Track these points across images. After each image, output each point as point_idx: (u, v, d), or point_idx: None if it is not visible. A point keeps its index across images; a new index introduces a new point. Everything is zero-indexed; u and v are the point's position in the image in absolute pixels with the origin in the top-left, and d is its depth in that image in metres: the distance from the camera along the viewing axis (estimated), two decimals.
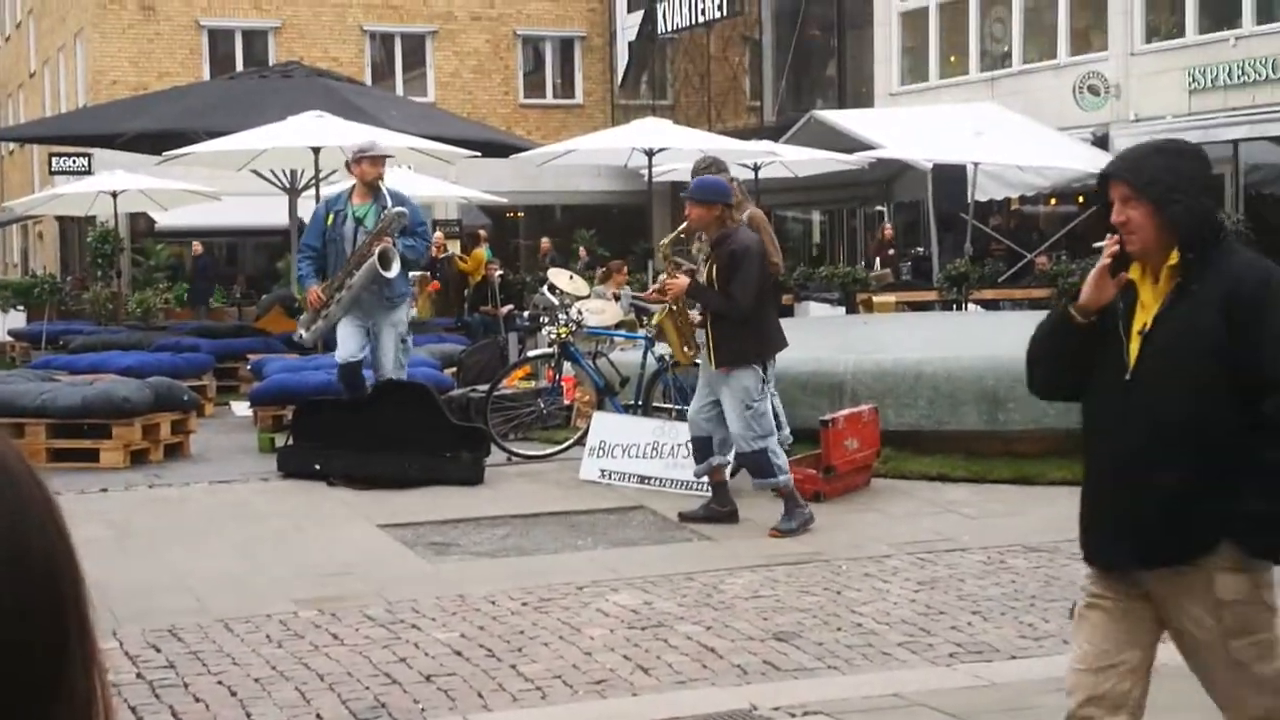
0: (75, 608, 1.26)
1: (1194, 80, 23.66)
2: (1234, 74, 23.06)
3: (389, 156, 12.06)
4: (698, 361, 9.52)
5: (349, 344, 11.14)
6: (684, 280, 9.03)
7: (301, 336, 11.70)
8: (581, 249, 28.73)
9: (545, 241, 30.17)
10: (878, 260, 24.87)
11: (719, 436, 9.10)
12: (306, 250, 11.40)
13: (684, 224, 9.34)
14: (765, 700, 5.66)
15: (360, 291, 10.93)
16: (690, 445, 9.38)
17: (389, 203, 11.06)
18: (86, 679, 1.24)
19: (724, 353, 8.83)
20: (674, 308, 9.40)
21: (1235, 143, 23.10)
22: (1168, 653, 6.24)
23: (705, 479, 9.48)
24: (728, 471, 9.34)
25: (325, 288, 11.05)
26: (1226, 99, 23.17)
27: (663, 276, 9.81)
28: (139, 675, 6.09)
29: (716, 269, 8.87)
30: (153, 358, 15.33)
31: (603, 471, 10.49)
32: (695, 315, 9.33)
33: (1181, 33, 24.43)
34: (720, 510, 9.18)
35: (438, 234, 26.56)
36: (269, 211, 24.51)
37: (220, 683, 5.99)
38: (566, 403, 12.78)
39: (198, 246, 28.33)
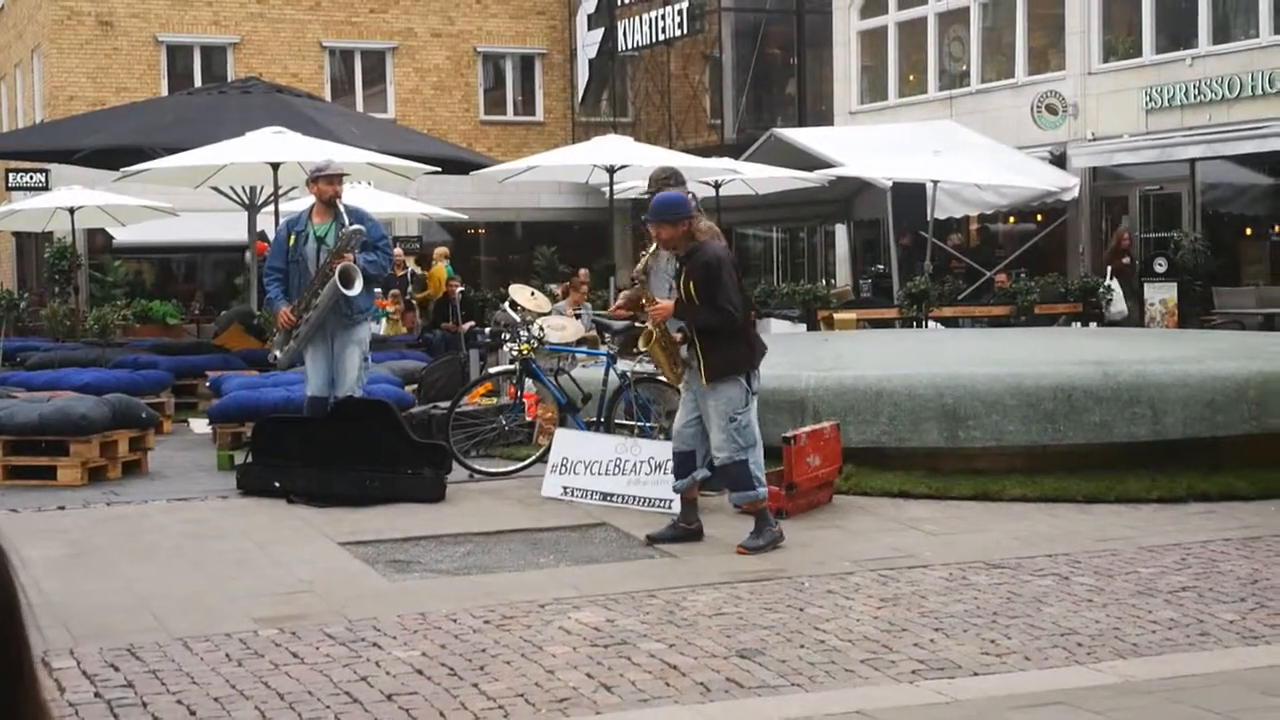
0: (23, 621, 1.27)
1: (1151, 100, 23.85)
2: (1190, 94, 23.26)
3: (345, 175, 12.06)
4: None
5: (317, 379, 11.20)
6: (668, 303, 8.91)
7: (276, 358, 11.68)
8: (582, 271, 27.95)
9: (262, 247, 28.89)
10: (1109, 269, 23.17)
11: (702, 452, 9.10)
12: (272, 273, 11.40)
13: (653, 246, 9.28)
14: (728, 718, 5.65)
15: (326, 311, 10.95)
16: (671, 460, 9.33)
17: (346, 220, 11.07)
18: (35, 691, 1.25)
19: (714, 366, 8.77)
20: (657, 331, 9.12)
21: (1192, 162, 23.31)
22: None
23: (675, 497, 9.47)
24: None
25: (293, 308, 11.04)
26: (1183, 118, 23.37)
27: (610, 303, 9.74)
28: (97, 695, 6.02)
29: (694, 284, 8.79)
30: (110, 374, 15.23)
31: (565, 488, 10.47)
32: (675, 334, 9.23)
33: (1139, 52, 24.63)
34: (687, 528, 9.16)
35: (397, 250, 26.50)
36: (228, 227, 24.44)
37: (179, 702, 5.93)
38: (528, 419, 12.76)
39: None
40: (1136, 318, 22.31)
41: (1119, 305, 22.15)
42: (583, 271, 26.30)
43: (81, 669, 6.38)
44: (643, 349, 9.11)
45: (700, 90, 35.34)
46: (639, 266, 9.43)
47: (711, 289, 8.74)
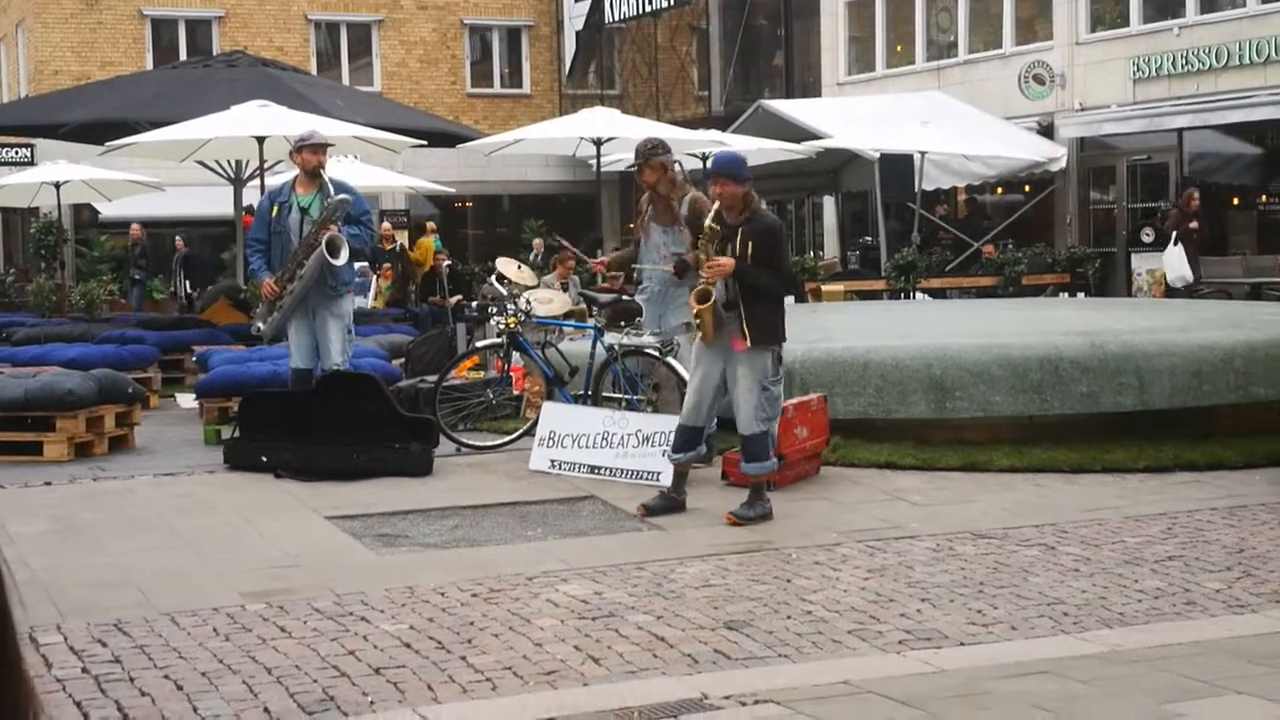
0: (6, 596, 1.25)
1: (1138, 69, 23.83)
2: (1178, 63, 23.24)
3: (330, 144, 12.00)
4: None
5: (300, 351, 11.16)
6: (730, 261, 8.82)
7: (259, 330, 11.60)
8: (536, 241, 28.14)
9: (135, 228, 28.95)
10: (1174, 235, 21.22)
11: (709, 429, 9.18)
12: (254, 244, 11.35)
13: (716, 204, 9.10)
14: (716, 689, 5.65)
15: (311, 281, 10.89)
16: (674, 432, 9.29)
17: (332, 191, 11.03)
18: (19, 668, 1.24)
19: (759, 331, 8.79)
20: (715, 291, 8.93)
21: (1179, 131, 23.31)
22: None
23: (663, 470, 9.48)
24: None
25: (277, 279, 11.00)
26: (1170, 88, 23.35)
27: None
28: (84, 670, 6.02)
29: (754, 246, 8.78)
30: (97, 350, 15.19)
31: (552, 462, 10.46)
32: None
33: (1126, 22, 24.59)
34: (676, 499, 9.16)
35: (385, 224, 26.50)
36: (214, 202, 24.40)
37: (167, 677, 5.93)
38: (516, 393, 12.74)
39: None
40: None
41: (1180, 271, 20.66)
42: (537, 242, 26.34)
43: (68, 644, 6.37)
44: (699, 307, 8.94)
45: (687, 62, 35.26)
46: (710, 221, 9.15)
47: (772, 253, 8.85)
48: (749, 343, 8.79)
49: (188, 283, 28.10)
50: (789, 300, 20.05)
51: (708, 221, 9.04)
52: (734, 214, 8.89)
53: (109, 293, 22.51)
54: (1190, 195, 21.85)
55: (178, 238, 29.47)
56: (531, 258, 23.80)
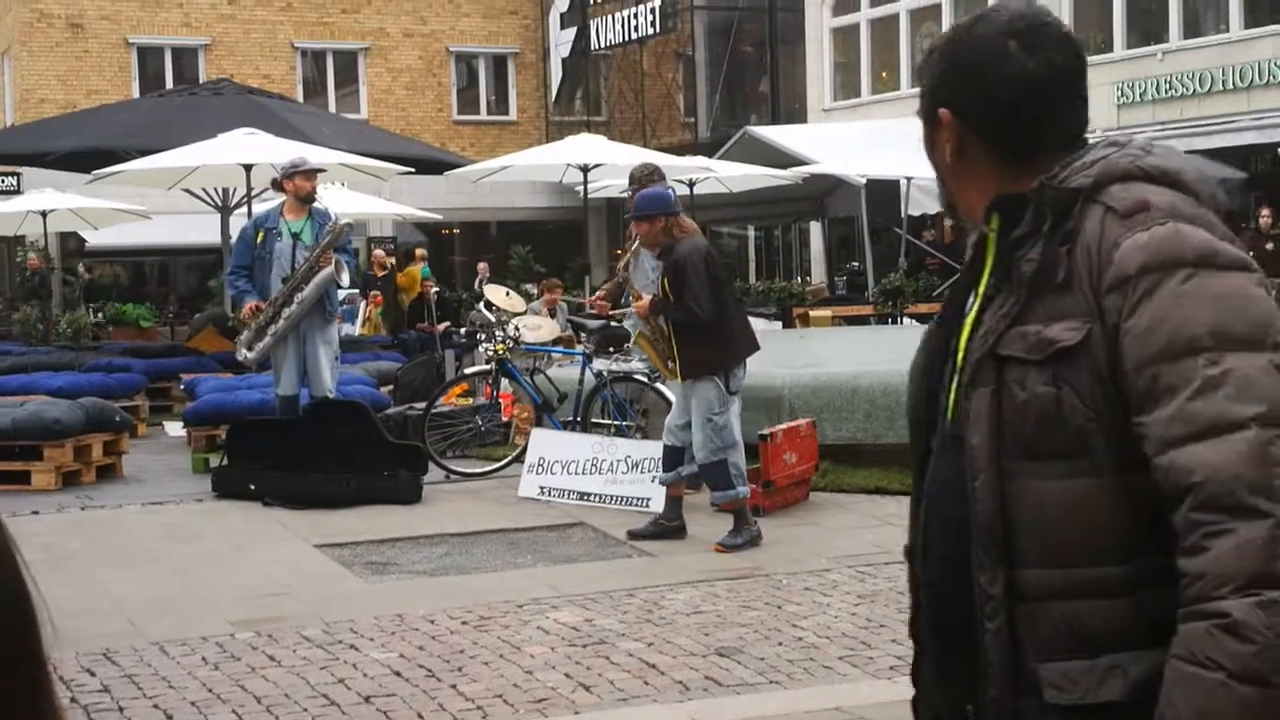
0: (39, 627, 1.27)
1: (1122, 94, 23.92)
2: (1162, 88, 23.34)
3: (322, 170, 12.04)
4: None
5: (288, 377, 11.14)
6: (644, 303, 8.99)
7: (246, 357, 11.44)
8: (481, 265, 27.73)
9: (33, 258, 28.68)
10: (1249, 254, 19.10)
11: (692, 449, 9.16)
12: (238, 271, 11.35)
13: (633, 244, 9.41)
14: (707, 716, 5.65)
15: (310, 306, 10.90)
16: (655, 456, 9.39)
17: (331, 216, 11.12)
18: (52, 697, 1.25)
19: (686, 364, 8.84)
20: (646, 327, 9.14)
21: None
22: None
23: (653, 496, 9.48)
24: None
25: (270, 303, 10.99)
26: (1155, 113, 23.45)
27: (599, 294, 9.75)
28: (74, 700, 6.00)
29: (667, 281, 8.85)
30: (84, 378, 15.15)
31: (542, 488, 10.46)
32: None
33: (1110, 48, 24.70)
34: (669, 524, 9.15)
35: (379, 251, 26.49)
36: (200, 230, 24.38)
37: (156, 706, 5.91)
38: (504, 420, 12.74)
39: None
40: None
41: None
42: (481, 266, 26.46)
43: (57, 674, 6.32)
44: (633, 343, 9.22)
45: (674, 88, 35.34)
46: (621, 263, 9.52)
47: (678, 286, 8.79)
48: (678, 377, 8.92)
49: (91, 310, 28.29)
50: (775, 326, 20.02)
51: (620, 264, 9.35)
52: (654, 249, 9.04)
53: (88, 322, 22.41)
54: (1262, 211, 19.77)
55: (80, 265, 29.56)
56: (476, 282, 23.92)
